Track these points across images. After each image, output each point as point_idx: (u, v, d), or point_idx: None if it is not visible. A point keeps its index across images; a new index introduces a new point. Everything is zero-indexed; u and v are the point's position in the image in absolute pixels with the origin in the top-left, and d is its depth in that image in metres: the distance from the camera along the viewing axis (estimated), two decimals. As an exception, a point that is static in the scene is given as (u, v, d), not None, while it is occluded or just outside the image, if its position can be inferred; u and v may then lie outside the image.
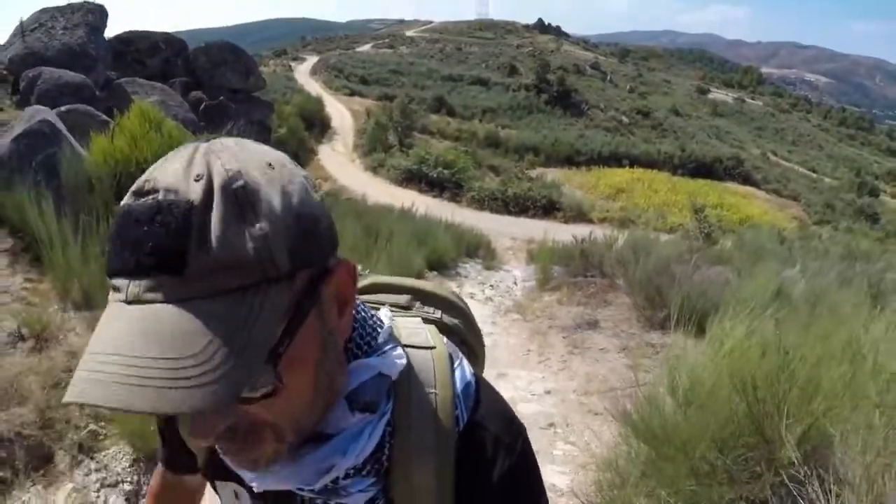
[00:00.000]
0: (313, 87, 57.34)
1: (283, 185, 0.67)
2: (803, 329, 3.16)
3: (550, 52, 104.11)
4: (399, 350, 0.88)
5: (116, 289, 0.63)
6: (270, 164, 0.68)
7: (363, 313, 0.89)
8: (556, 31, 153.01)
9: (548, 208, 26.78)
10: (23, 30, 13.82)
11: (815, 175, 62.10)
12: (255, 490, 0.85)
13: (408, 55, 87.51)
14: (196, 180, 0.63)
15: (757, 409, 2.19)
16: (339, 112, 46.04)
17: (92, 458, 3.20)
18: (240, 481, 0.92)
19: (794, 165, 64.82)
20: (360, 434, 0.82)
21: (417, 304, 1.11)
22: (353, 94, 56.68)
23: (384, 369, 0.85)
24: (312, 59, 79.95)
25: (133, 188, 0.65)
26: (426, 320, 1.03)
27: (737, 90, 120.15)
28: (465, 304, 1.19)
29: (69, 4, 15.20)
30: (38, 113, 6.39)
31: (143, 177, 0.66)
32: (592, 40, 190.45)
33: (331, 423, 0.81)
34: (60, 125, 6.32)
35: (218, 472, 0.95)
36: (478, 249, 13.99)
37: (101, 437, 3.30)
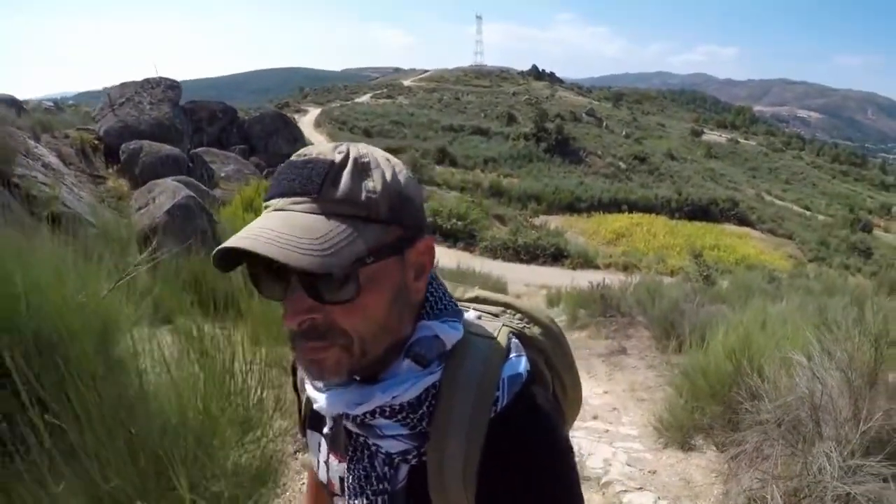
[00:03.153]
0: (319, 140, 55.14)
1: (394, 170, 0.96)
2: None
3: (546, 98, 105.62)
4: (458, 325, 1.03)
5: (268, 207, 0.93)
6: (388, 159, 0.97)
7: (440, 294, 1.07)
8: (551, 77, 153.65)
9: (556, 255, 28.28)
10: (111, 104, 15.22)
11: (809, 213, 63.11)
12: (320, 411, 1.06)
13: (407, 105, 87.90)
14: (339, 153, 0.93)
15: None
16: (348, 166, 45.70)
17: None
18: (322, 431, 1.15)
19: (788, 204, 65.82)
20: (403, 381, 0.97)
21: (508, 314, 1.20)
22: (358, 146, 56.74)
23: (440, 332, 1.00)
24: (314, 111, 78.68)
25: (291, 158, 0.94)
26: (506, 325, 1.12)
27: (730, 131, 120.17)
28: (559, 328, 1.25)
29: (148, 80, 16.68)
30: (179, 189, 7.68)
31: (299, 152, 0.95)
32: (586, 85, 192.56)
33: (388, 369, 0.99)
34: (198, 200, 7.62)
35: (310, 422, 1.22)
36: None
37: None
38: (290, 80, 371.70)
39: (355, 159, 0.92)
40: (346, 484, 1.08)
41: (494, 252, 28.44)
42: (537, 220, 40.14)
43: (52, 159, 9.75)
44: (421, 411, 0.98)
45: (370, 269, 0.90)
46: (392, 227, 0.92)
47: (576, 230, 39.95)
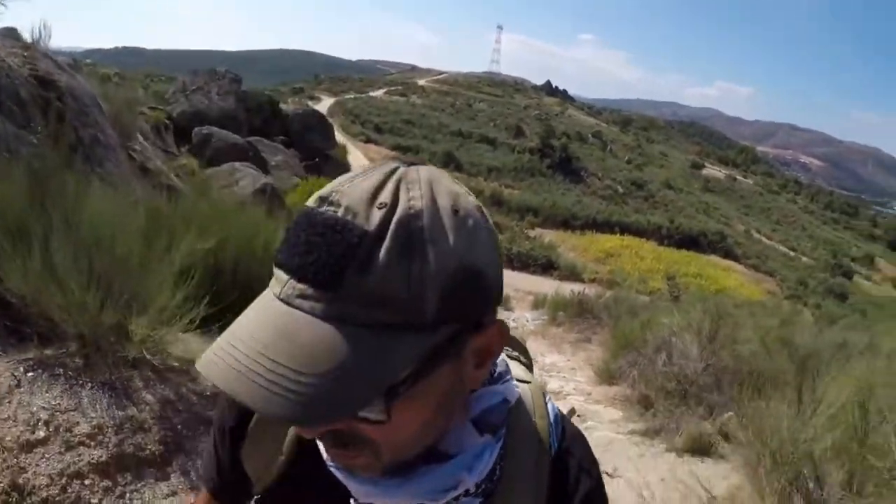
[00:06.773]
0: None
1: (460, 234, 0.65)
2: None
3: (556, 115, 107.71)
4: (514, 380, 0.90)
5: (276, 279, 0.66)
6: (457, 211, 0.66)
7: None
8: (563, 95, 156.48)
9: (546, 266, 30.44)
10: (185, 90, 17.23)
11: (793, 253, 65.05)
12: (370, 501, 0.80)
13: (420, 106, 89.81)
14: (379, 208, 0.62)
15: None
16: (358, 160, 45.29)
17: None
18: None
19: (775, 244, 67.67)
20: (482, 454, 0.81)
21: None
22: (368, 141, 58.39)
23: (508, 396, 0.86)
24: (328, 100, 79.55)
25: (322, 192, 0.67)
26: (510, 356, 1.03)
27: (730, 168, 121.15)
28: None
29: (215, 72, 18.69)
30: (258, 176, 9.03)
31: (334, 185, 0.67)
32: (597, 106, 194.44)
33: (453, 444, 0.80)
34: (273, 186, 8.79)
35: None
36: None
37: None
38: (305, 64, 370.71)
39: (401, 223, 0.62)
40: None
41: (487, 257, 30.14)
42: (532, 232, 42.13)
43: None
44: (496, 476, 0.84)
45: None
46: (443, 328, 0.65)
47: (568, 245, 41.85)
